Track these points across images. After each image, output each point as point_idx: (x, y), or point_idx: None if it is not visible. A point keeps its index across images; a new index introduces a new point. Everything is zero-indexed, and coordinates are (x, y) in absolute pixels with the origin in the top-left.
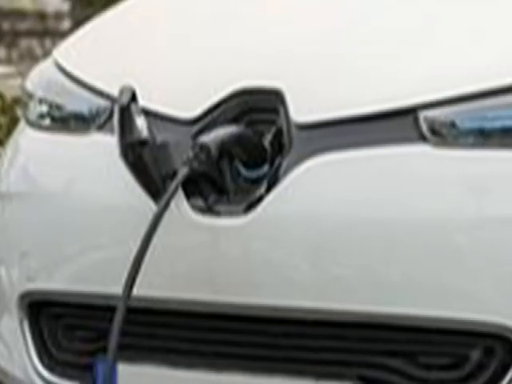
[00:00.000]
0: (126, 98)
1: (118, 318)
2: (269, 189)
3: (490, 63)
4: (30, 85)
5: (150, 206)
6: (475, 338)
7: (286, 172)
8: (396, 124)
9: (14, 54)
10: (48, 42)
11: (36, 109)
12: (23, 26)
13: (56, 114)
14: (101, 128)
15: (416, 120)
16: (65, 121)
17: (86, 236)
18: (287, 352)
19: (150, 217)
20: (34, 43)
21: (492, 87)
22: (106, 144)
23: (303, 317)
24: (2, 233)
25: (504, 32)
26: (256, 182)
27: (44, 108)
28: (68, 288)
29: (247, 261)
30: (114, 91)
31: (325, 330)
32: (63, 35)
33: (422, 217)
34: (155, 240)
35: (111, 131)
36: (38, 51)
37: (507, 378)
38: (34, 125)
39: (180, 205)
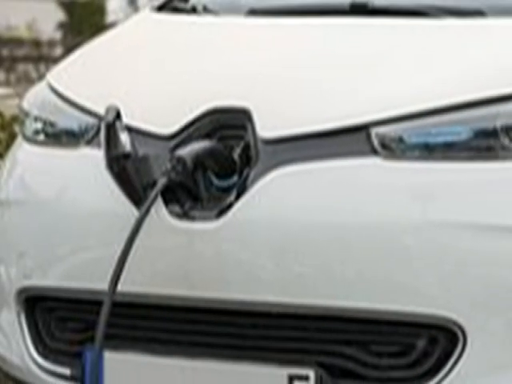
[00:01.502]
0: (111, 116)
1: (105, 311)
2: (238, 197)
3: (433, 86)
4: (26, 104)
5: (132, 212)
6: (421, 328)
7: (253, 182)
8: (351, 139)
9: (12, 77)
10: (42, 67)
11: (32, 126)
12: (20, 52)
13: (49, 130)
14: (89, 143)
15: (368, 136)
16: (57, 136)
17: (76, 238)
18: (254, 341)
19: (132, 221)
20: (30, 67)
21: (435, 107)
22: (93, 157)
23: (268, 310)
24: (2, 235)
25: (445, 59)
26: (226, 190)
27: (39, 125)
28: (60, 284)
29: (219, 260)
30: (101, 110)
31: (287, 322)
32: (56, 60)
33: (374, 221)
34: (137, 242)
35: (98, 145)
36: (34, 75)
37: (449, 364)
38: (30, 140)
39: (159, 211)
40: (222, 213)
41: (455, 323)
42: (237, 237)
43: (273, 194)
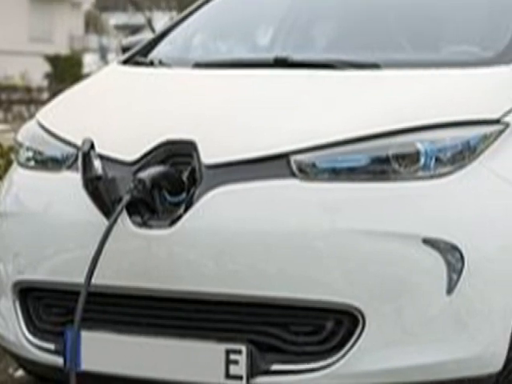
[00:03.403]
0: (86, 147)
1: (81, 299)
2: (186, 210)
3: (338, 123)
4: (20, 137)
5: (103, 222)
6: (329, 313)
7: (198, 198)
8: (274, 165)
9: (9, 116)
10: (33, 108)
11: (24, 154)
12: (15, 96)
13: (38, 157)
14: (69, 167)
15: (288, 162)
16: (44, 162)
17: (59, 242)
18: (198, 323)
19: (103, 229)
20: (23, 108)
21: (340, 139)
22: (73, 179)
23: (209, 298)
24: (1, 240)
25: (348, 102)
26: (177, 205)
27: (30, 153)
28: (47, 278)
29: (171, 260)
30: (79, 142)
31: (224, 308)
32: (43, 103)
33: (293, 229)
34: (107, 245)
35: (77, 170)
36: (26, 114)
37: (352, 341)
38: (23, 165)
39: (124, 220)
40: (173, 222)
41: (356, 309)
42: (185, 241)
43: (213, 207)
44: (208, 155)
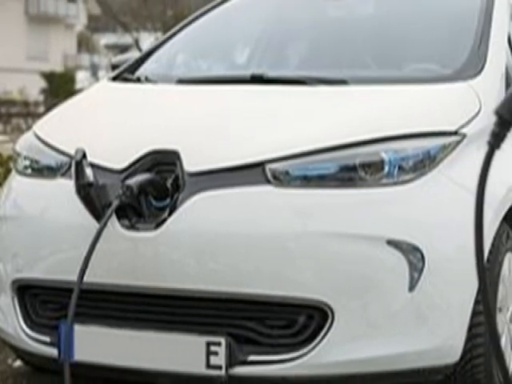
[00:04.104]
0: (79, 156)
1: (74, 295)
2: (170, 214)
3: (310, 134)
4: (18, 147)
5: (94, 225)
6: (301, 308)
7: (181, 203)
8: (251, 172)
9: (8, 128)
10: (30, 120)
11: (22, 163)
12: (14, 110)
13: (35, 166)
14: (63, 175)
15: (264, 170)
16: (40, 170)
17: (53, 243)
18: (181, 317)
19: (94, 231)
20: (21, 121)
21: (311, 149)
22: (66, 185)
23: (191, 295)
24: (1, 241)
25: (318, 115)
26: (162, 209)
27: (27, 162)
28: (43, 277)
29: (156, 259)
30: (72, 151)
31: (205, 304)
32: (39, 116)
33: (268, 231)
34: (98, 246)
35: (70, 177)
36: (24, 126)
37: (322, 334)
38: (21, 173)
39: (113, 223)
40: (158, 225)
41: (326, 304)
42: (169, 243)
43: (195, 211)
44: (190, 164)
